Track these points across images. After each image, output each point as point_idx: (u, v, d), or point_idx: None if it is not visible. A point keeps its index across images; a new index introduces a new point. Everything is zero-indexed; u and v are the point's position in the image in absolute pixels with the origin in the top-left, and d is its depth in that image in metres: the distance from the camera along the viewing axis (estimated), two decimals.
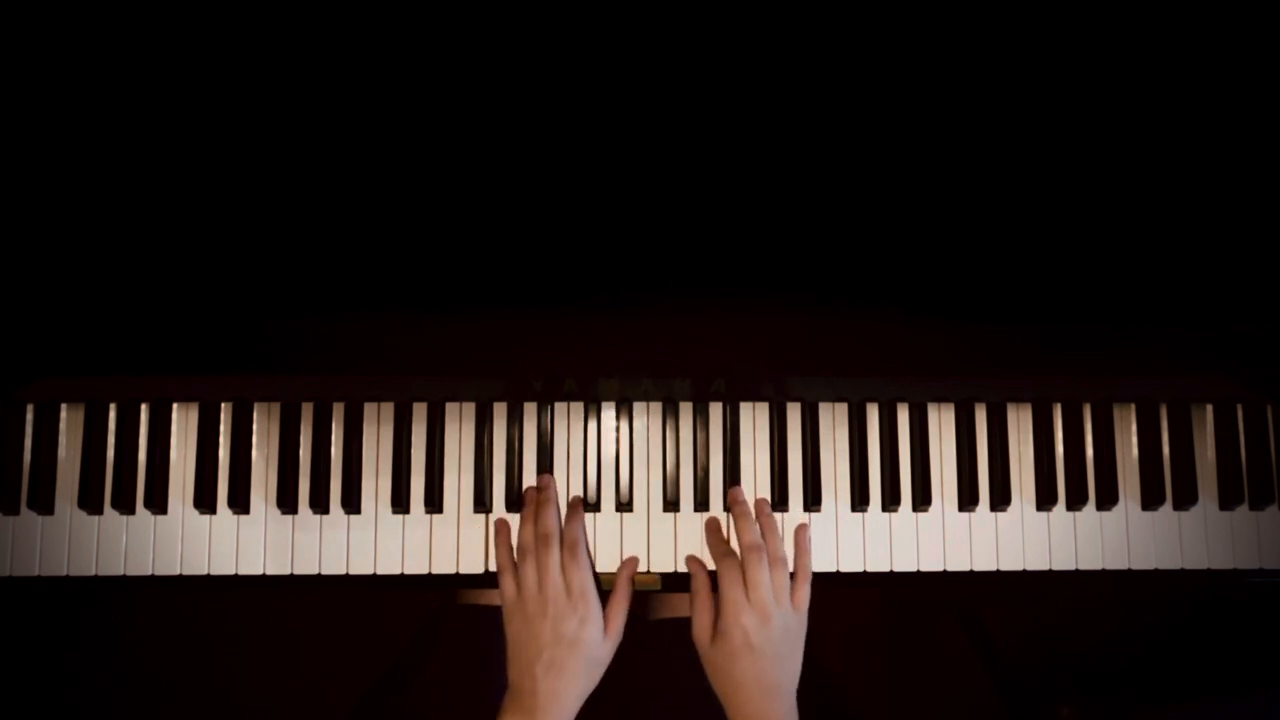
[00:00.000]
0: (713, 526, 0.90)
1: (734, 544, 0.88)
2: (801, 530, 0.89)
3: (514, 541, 0.88)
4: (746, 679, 0.82)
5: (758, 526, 0.87)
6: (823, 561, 0.90)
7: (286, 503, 0.89)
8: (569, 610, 0.82)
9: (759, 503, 0.90)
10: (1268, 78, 0.76)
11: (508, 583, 0.85)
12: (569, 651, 0.81)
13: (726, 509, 0.90)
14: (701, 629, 0.84)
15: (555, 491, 0.89)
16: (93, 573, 0.89)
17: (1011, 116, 0.77)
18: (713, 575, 0.87)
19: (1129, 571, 0.90)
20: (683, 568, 0.90)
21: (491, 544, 0.90)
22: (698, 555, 0.89)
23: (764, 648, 0.81)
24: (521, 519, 0.88)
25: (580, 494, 0.91)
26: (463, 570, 0.90)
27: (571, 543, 0.85)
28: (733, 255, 0.77)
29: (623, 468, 0.91)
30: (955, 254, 0.77)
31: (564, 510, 0.89)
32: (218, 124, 0.76)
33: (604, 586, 0.87)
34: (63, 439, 0.90)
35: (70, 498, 0.90)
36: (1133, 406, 0.92)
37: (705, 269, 0.77)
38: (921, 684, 0.85)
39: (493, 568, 0.89)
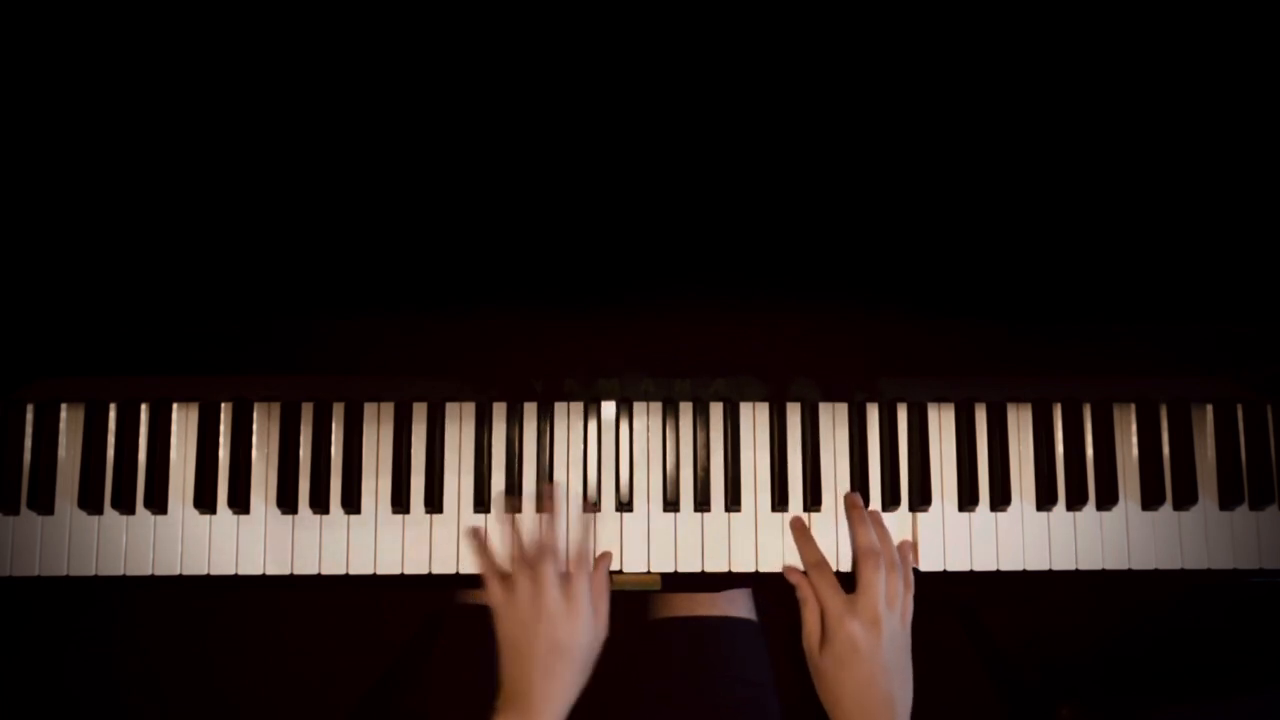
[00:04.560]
0: (801, 530, 0.90)
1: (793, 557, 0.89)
2: (905, 545, 0.89)
3: (493, 544, 0.89)
4: (857, 689, 0.81)
5: (873, 531, 0.87)
6: None
7: (286, 503, 0.89)
8: (563, 616, 0.82)
9: (872, 512, 0.90)
10: (1268, 78, 0.76)
11: (495, 587, 0.85)
12: (561, 657, 0.81)
13: (727, 509, 0.90)
14: (811, 637, 0.85)
15: (558, 502, 0.89)
16: (93, 573, 0.89)
17: (1013, 117, 0.77)
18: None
19: (1129, 571, 0.90)
20: (683, 568, 0.90)
21: (491, 544, 0.90)
22: (793, 565, 0.89)
23: (872, 656, 0.81)
24: (516, 525, 0.88)
25: (594, 502, 0.91)
26: (463, 570, 0.90)
27: (580, 552, 0.86)
28: (733, 255, 0.77)
29: (623, 468, 0.91)
30: (955, 254, 0.77)
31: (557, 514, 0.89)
32: (218, 126, 0.76)
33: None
34: (63, 439, 0.90)
35: (70, 498, 0.90)
36: (1133, 406, 0.92)
37: (705, 269, 0.77)
38: (921, 684, 0.85)
39: None
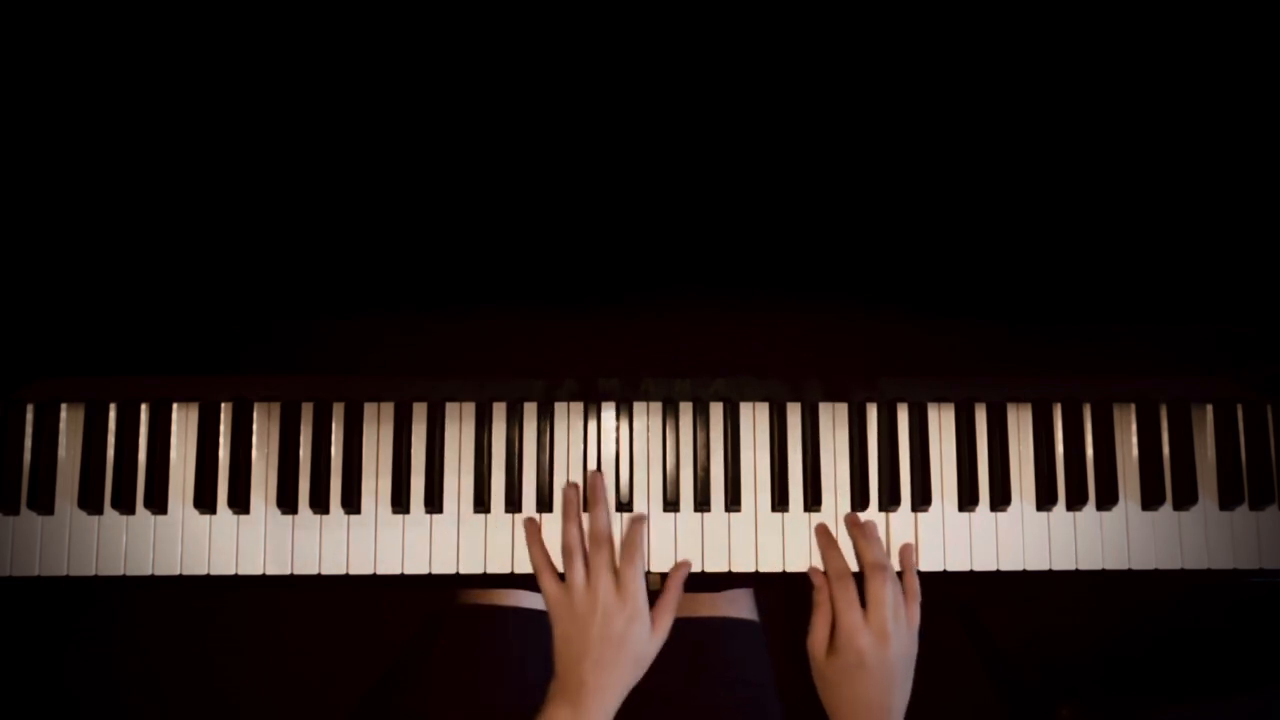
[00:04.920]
0: (826, 537, 0.89)
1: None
2: (906, 549, 0.89)
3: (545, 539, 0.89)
4: (857, 697, 0.83)
5: (882, 546, 0.88)
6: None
7: (286, 503, 0.89)
8: (617, 608, 0.83)
9: (868, 523, 0.90)
10: (1268, 78, 0.76)
11: (549, 581, 0.85)
12: (616, 649, 0.82)
13: (727, 509, 0.90)
14: (818, 642, 0.85)
15: (605, 491, 0.89)
16: (93, 573, 0.89)
17: (1012, 117, 0.77)
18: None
19: (1129, 571, 0.90)
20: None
21: (490, 544, 0.90)
22: (818, 568, 0.89)
23: (878, 669, 0.82)
24: (565, 517, 0.88)
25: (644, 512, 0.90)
26: (463, 570, 0.90)
27: (633, 546, 0.86)
28: (733, 255, 0.77)
29: (623, 468, 0.91)
30: (955, 254, 0.77)
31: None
32: (218, 125, 0.76)
33: (653, 588, 0.88)
34: (63, 439, 0.90)
35: (70, 498, 0.90)
36: (1133, 406, 0.92)
37: (705, 269, 0.77)
38: (922, 684, 0.85)
39: (492, 569, 0.89)
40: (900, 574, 0.87)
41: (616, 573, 0.85)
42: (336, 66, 0.76)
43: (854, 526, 0.89)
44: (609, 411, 0.92)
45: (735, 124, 0.77)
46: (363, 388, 0.90)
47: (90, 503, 0.89)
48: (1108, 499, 0.90)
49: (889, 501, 0.90)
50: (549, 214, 0.77)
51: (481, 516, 0.90)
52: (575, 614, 0.83)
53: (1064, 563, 0.90)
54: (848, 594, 0.85)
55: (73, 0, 0.75)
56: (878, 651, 0.82)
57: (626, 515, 0.90)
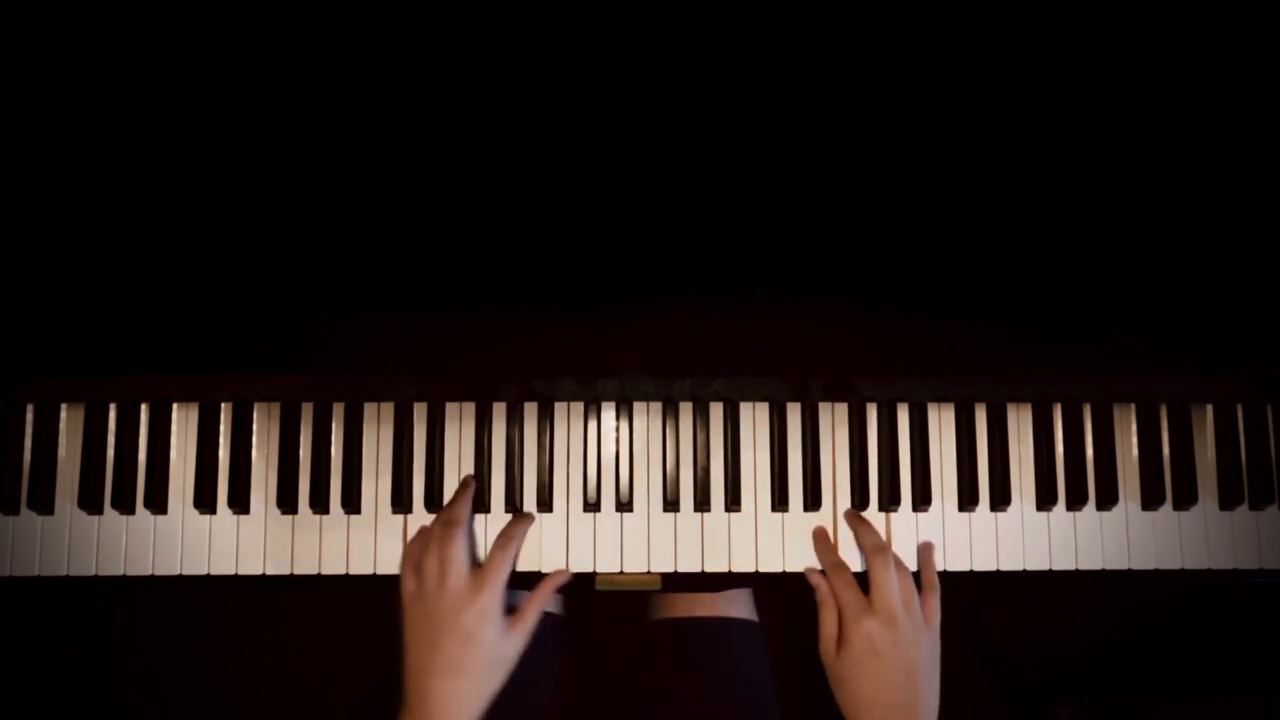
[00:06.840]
0: (821, 535, 0.89)
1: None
2: (926, 546, 0.89)
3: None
4: (876, 692, 0.78)
5: (880, 534, 0.87)
6: None
7: (286, 503, 0.89)
8: (468, 600, 0.79)
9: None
10: (1268, 78, 0.76)
11: (408, 576, 0.82)
12: (465, 647, 0.78)
13: (727, 509, 0.90)
14: (827, 639, 0.83)
15: (473, 489, 0.88)
16: (93, 573, 0.89)
17: (1012, 116, 0.77)
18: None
19: (1129, 571, 0.90)
20: (683, 567, 0.90)
21: (490, 544, 0.90)
22: (813, 567, 0.89)
23: (891, 655, 0.79)
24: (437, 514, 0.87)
25: (533, 508, 0.90)
26: None
27: (507, 539, 0.84)
28: (733, 255, 0.77)
29: (623, 468, 0.91)
30: (955, 254, 0.77)
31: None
32: (217, 126, 0.76)
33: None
34: (63, 439, 0.90)
35: (70, 498, 0.90)
36: (1133, 406, 0.92)
37: (705, 269, 0.77)
38: None
39: None
40: (918, 570, 0.87)
41: (482, 566, 0.82)
42: (336, 67, 0.76)
43: (851, 519, 0.89)
44: (609, 411, 0.92)
45: (735, 124, 0.77)
46: (363, 388, 0.90)
47: (90, 503, 0.89)
48: (1108, 499, 0.90)
49: (889, 501, 0.90)
50: (549, 214, 0.77)
51: (482, 516, 0.90)
52: (426, 609, 0.79)
53: (1064, 563, 0.90)
54: (844, 577, 0.84)
55: (73, 0, 0.75)
56: (887, 637, 0.80)
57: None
